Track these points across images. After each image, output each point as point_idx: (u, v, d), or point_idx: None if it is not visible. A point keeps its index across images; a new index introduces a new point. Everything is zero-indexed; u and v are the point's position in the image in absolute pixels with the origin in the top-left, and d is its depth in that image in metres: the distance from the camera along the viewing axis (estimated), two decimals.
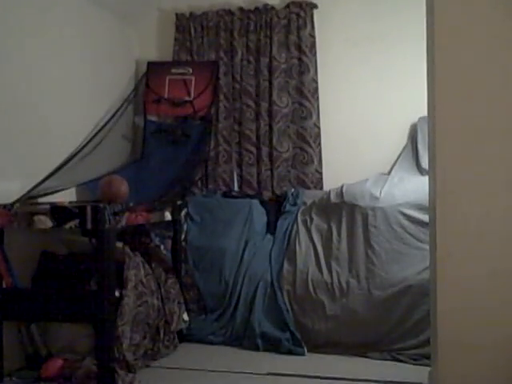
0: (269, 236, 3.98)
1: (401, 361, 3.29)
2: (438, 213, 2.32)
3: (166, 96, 4.39)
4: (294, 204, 4.06)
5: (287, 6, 4.35)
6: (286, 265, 3.74)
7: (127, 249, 3.34)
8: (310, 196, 4.10)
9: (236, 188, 4.39)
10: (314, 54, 4.31)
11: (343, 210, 3.82)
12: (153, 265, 3.52)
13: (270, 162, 4.33)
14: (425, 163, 3.76)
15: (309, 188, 4.25)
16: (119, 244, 3.30)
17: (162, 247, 3.82)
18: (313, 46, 4.32)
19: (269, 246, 3.89)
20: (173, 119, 4.44)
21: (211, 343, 3.67)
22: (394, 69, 4.19)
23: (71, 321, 3.12)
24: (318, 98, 4.31)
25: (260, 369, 3.20)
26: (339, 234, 3.77)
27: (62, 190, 3.49)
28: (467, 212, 2.31)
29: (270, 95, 4.33)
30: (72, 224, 2.96)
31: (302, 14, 4.31)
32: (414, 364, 3.23)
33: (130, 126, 4.51)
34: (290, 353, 3.45)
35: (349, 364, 3.30)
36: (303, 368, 3.19)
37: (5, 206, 3.04)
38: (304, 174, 4.30)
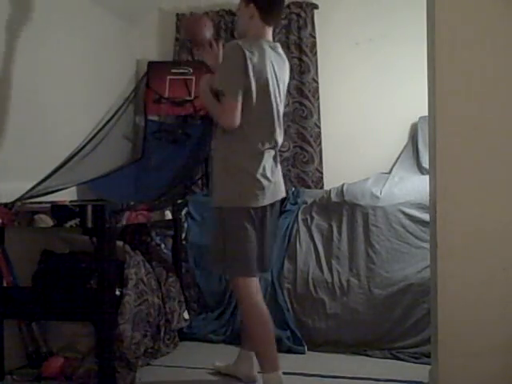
0: None
1: (401, 359, 3.29)
2: (438, 212, 2.33)
3: (166, 96, 4.39)
4: (295, 203, 4.06)
5: (288, 6, 4.34)
6: (286, 263, 3.74)
7: (128, 247, 3.35)
8: (310, 195, 4.10)
9: None
10: (315, 54, 4.32)
11: (344, 209, 3.83)
12: (153, 263, 3.52)
13: None
14: (425, 162, 3.77)
15: (309, 187, 4.26)
16: (120, 243, 3.30)
17: (162, 246, 3.83)
18: (313, 45, 4.32)
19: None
20: (173, 119, 4.45)
21: (212, 342, 3.67)
22: (395, 68, 4.20)
23: (72, 319, 3.12)
24: (318, 97, 4.31)
25: None
26: (340, 233, 3.77)
27: (63, 189, 3.48)
28: (468, 211, 2.31)
29: None
30: (73, 223, 2.96)
31: (303, 14, 4.32)
32: (414, 362, 3.23)
33: (131, 126, 4.51)
34: (290, 351, 3.45)
35: (349, 362, 3.30)
36: (303, 366, 3.19)
37: (6, 205, 3.04)
38: (305, 173, 4.31)
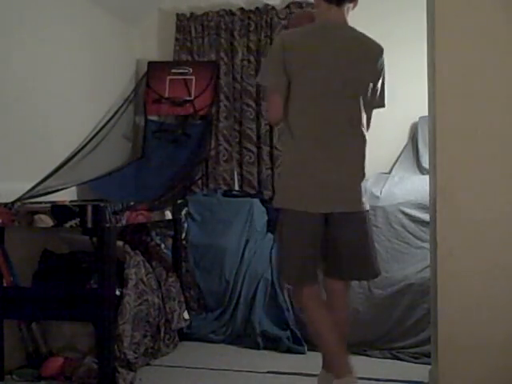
0: (269, 235, 3.99)
1: (401, 359, 3.29)
2: (438, 211, 2.33)
3: (166, 96, 4.39)
4: None
5: (287, 6, 4.35)
6: None
7: (128, 247, 3.35)
8: None
9: (236, 187, 4.39)
10: None
11: None
12: (153, 263, 3.52)
13: (270, 161, 4.33)
14: (425, 162, 3.77)
15: None
16: (120, 243, 3.30)
17: (162, 246, 3.83)
18: None
19: (269, 244, 3.89)
20: (173, 119, 4.44)
21: (212, 342, 3.67)
22: (395, 68, 4.18)
23: (72, 319, 3.12)
24: None
25: (260, 367, 3.21)
26: None
27: (63, 189, 3.49)
28: (467, 211, 2.32)
29: None
30: (73, 223, 2.96)
31: None
32: (414, 362, 3.23)
33: (131, 126, 4.51)
34: (290, 351, 3.45)
35: None
36: (303, 366, 3.19)
37: (5, 205, 3.04)
38: None
